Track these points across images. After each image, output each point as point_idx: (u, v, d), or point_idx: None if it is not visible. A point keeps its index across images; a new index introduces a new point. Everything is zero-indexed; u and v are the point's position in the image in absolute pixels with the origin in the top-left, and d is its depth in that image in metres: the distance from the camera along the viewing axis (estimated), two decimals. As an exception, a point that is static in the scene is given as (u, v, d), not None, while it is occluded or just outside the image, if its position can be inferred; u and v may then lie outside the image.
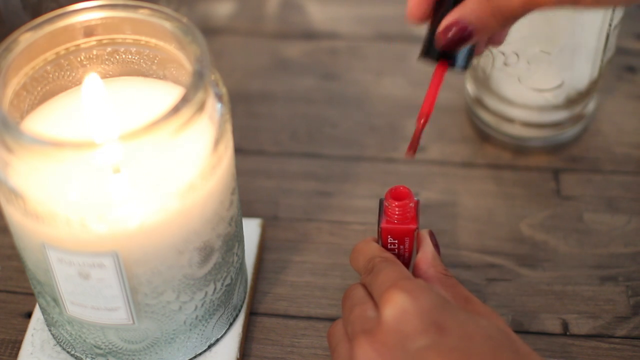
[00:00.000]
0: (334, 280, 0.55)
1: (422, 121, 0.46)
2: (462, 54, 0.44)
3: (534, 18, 0.54)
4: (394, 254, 0.49)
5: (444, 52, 0.44)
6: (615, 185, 0.60)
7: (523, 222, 0.58)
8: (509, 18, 0.42)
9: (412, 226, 0.48)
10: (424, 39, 0.45)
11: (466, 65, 0.45)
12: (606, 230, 0.58)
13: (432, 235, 0.49)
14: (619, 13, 0.56)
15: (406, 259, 0.49)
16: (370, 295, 0.44)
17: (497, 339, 0.40)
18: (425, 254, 0.47)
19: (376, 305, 0.43)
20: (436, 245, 0.48)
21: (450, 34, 0.43)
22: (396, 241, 0.48)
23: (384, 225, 0.48)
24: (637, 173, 0.61)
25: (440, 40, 0.43)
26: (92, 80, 0.46)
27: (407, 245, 0.48)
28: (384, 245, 0.49)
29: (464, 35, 0.42)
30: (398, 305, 0.40)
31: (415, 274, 0.47)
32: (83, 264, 0.42)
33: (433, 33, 0.44)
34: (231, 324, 0.51)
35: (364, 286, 0.45)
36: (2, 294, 0.55)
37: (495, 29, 0.42)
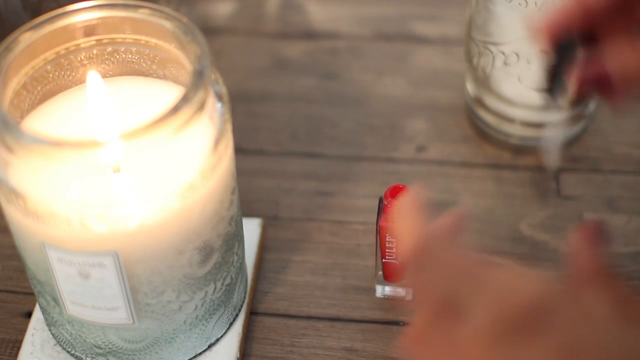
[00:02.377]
0: (334, 280, 0.55)
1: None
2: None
3: (534, 18, 0.54)
4: (392, 252, 0.49)
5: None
6: (615, 185, 0.60)
7: (523, 222, 0.58)
8: None
9: None
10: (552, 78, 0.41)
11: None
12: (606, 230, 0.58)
13: (598, 227, 0.36)
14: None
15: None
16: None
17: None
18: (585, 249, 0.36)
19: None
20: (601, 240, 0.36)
21: (590, 82, 0.38)
22: (394, 240, 0.48)
23: (382, 223, 0.48)
24: (637, 173, 0.61)
25: (581, 86, 0.38)
26: (93, 78, 0.46)
27: (405, 245, 0.48)
28: (382, 244, 0.49)
29: (603, 87, 0.38)
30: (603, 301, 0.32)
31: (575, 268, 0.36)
32: (83, 264, 0.42)
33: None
34: (231, 324, 0.51)
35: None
36: (2, 293, 0.55)
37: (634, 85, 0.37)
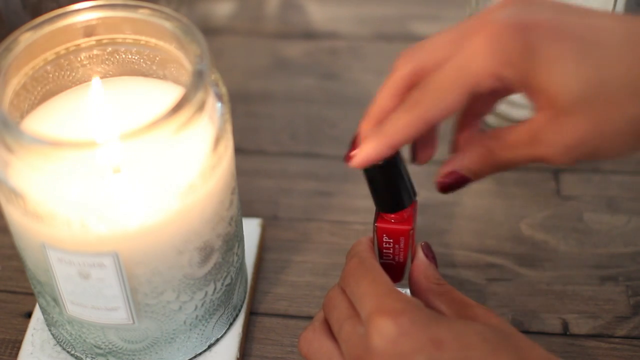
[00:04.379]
0: (334, 280, 0.55)
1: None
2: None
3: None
4: (389, 253, 0.49)
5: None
6: (615, 185, 0.60)
7: (523, 222, 0.58)
8: (507, 169, 0.44)
9: (407, 227, 0.47)
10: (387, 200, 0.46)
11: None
12: (606, 230, 0.58)
13: (426, 247, 0.48)
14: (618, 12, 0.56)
15: (401, 259, 0.49)
16: (353, 306, 0.43)
17: (494, 340, 0.40)
18: (418, 265, 0.47)
19: (362, 322, 0.42)
20: (431, 257, 0.48)
21: (448, 181, 0.45)
22: (391, 240, 0.48)
23: (379, 224, 0.48)
24: (637, 173, 0.61)
25: (441, 184, 0.45)
26: (93, 80, 0.46)
27: (402, 245, 0.48)
28: (380, 245, 0.49)
29: (461, 183, 0.45)
30: (385, 334, 0.40)
31: (410, 286, 0.47)
32: (83, 264, 0.42)
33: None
34: (231, 324, 0.51)
35: (344, 291, 0.45)
36: (2, 294, 0.55)
37: (488, 174, 0.44)
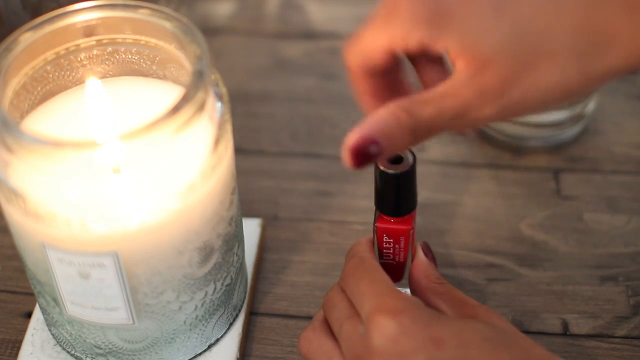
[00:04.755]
0: (334, 280, 0.55)
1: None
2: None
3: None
4: (389, 253, 0.49)
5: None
6: (615, 185, 0.60)
7: (523, 222, 0.58)
8: (428, 135, 0.39)
9: (407, 227, 0.47)
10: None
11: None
12: (606, 230, 0.58)
13: (425, 246, 0.48)
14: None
15: (402, 259, 0.49)
16: (353, 305, 0.43)
17: (495, 339, 0.40)
18: (418, 264, 0.47)
19: (363, 321, 0.42)
20: (430, 257, 0.47)
21: (357, 148, 0.38)
22: (392, 240, 0.48)
23: (379, 224, 0.48)
24: (637, 173, 0.61)
25: (347, 159, 0.39)
26: (92, 81, 0.46)
27: (402, 245, 0.48)
28: (380, 245, 0.49)
29: (370, 154, 0.38)
30: (386, 333, 0.40)
31: (410, 285, 0.47)
32: (83, 264, 0.42)
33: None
34: (231, 324, 0.51)
35: (344, 291, 0.45)
36: (2, 294, 0.55)
37: (410, 146, 0.39)
